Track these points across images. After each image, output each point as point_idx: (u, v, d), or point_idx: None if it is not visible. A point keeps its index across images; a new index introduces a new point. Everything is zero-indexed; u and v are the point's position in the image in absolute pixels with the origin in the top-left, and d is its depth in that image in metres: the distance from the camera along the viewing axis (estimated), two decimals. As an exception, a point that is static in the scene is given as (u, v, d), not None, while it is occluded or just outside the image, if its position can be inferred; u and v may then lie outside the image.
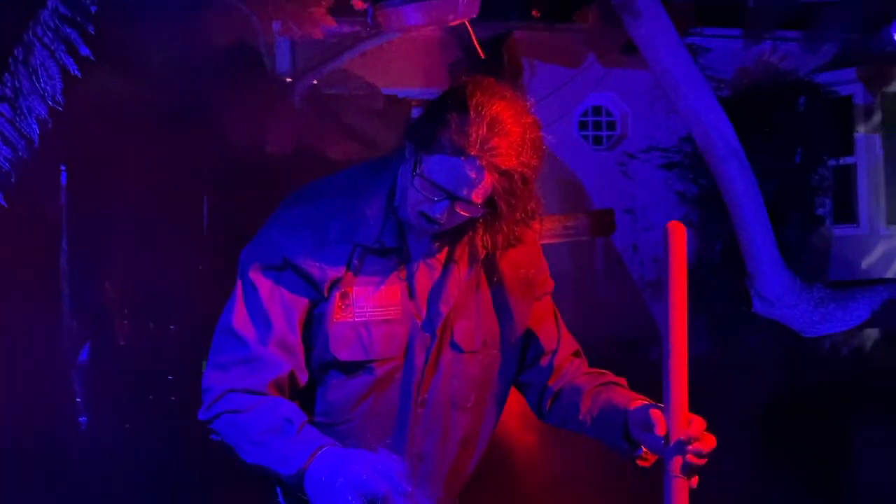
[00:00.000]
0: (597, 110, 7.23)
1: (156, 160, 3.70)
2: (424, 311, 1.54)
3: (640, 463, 1.51)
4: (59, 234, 4.18)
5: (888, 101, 7.10)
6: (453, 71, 5.64)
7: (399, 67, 5.22)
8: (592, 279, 6.26)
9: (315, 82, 3.98)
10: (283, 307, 1.50)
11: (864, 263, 7.04)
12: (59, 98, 1.58)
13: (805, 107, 6.94)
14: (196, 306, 4.14)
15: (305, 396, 1.54)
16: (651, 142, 7.05)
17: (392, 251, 1.52)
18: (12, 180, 1.52)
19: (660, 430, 1.38)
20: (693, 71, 2.32)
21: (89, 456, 3.97)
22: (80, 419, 4.34)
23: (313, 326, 1.52)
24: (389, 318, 1.52)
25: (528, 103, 1.44)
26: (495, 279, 1.59)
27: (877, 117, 7.08)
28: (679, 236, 1.40)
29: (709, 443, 1.38)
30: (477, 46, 4.00)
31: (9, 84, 1.53)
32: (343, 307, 1.51)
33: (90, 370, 4.38)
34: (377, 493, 1.26)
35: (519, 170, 1.39)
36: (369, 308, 1.51)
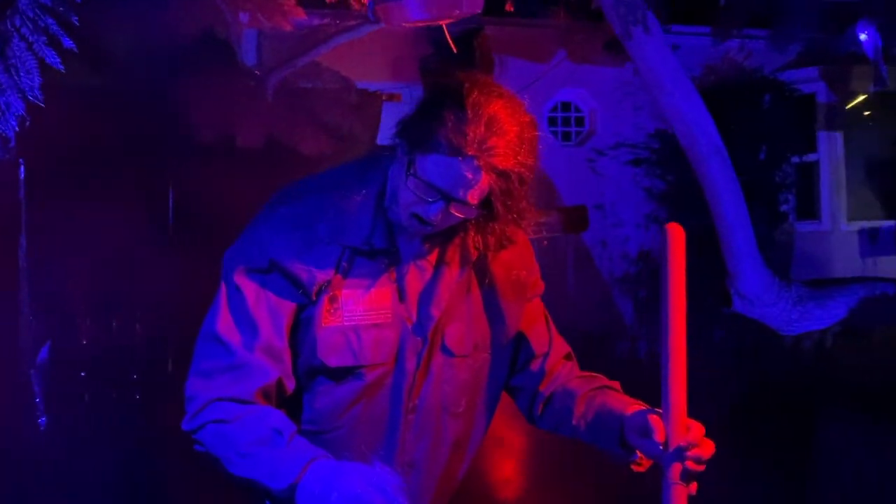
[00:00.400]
0: (566, 106, 7.24)
1: (121, 153, 3.59)
2: (415, 315, 1.49)
3: (634, 468, 1.49)
4: (17, 230, 4.04)
5: (850, 100, 7.23)
6: (424, 65, 5.59)
7: (370, 61, 5.16)
8: (562, 274, 6.27)
9: (287, 75, 3.90)
10: (270, 311, 1.44)
11: (826, 258, 7.17)
12: (37, 94, 1.50)
13: (770, 104, 7.03)
14: (161, 304, 4.04)
15: (291, 404, 1.48)
16: (619, 138, 7.08)
17: (382, 253, 1.47)
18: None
19: (659, 437, 1.36)
20: (678, 71, 2.32)
21: (49, 457, 3.85)
22: (40, 420, 4.21)
23: (300, 331, 1.47)
24: (379, 322, 1.47)
25: (524, 102, 1.40)
26: (487, 281, 1.55)
27: (839, 116, 7.20)
28: (678, 238, 1.38)
29: (708, 449, 1.36)
30: (449, 41, 3.95)
31: None
32: (332, 311, 1.45)
33: (50, 370, 4.25)
34: None
35: (516, 170, 1.36)
36: (359, 312, 1.46)
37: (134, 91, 3.52)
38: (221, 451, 1.37)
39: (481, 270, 1.54)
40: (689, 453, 1.34)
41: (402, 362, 1.48)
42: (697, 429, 1.36)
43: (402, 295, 1.49)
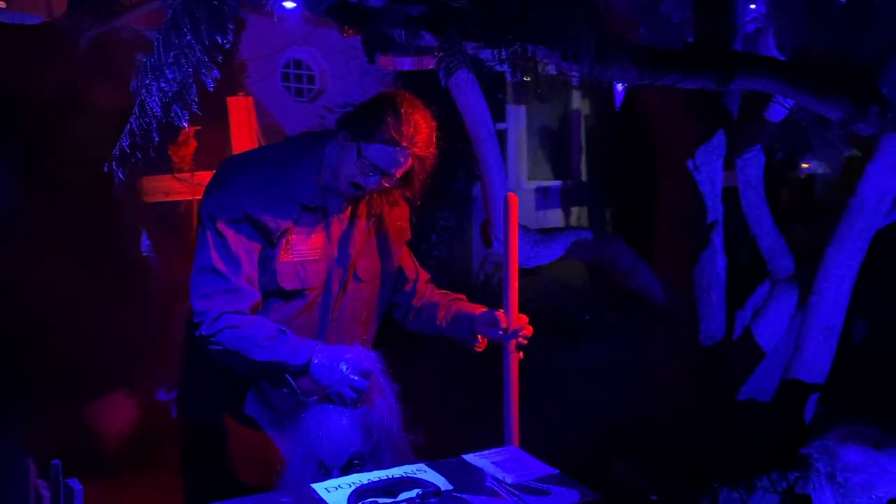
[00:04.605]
0: (298, 64, 7.75)
1: None
2: (337, 253, 2.15)
3: (477, 349, 2.29)
4: None
5: (533, 80, 8.75)
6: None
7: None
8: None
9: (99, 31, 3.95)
10: (245, 251, 2.00)
11: (511, 210, 8.68)
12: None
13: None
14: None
15: (250, 317, 2.05)
16: (347, 98, 7.76)
17: (319, 209, 2.10)
18: (134, 161, 1.67)
19: (503, 324, 2.17)
20: (471, 76, 3.11)
21: None
22: None
23: (260, 265, 2.04)
24: (316, 257, 2.10)
25: (432, 109, 2.09)
26: (382, 229, 2.24)
27: (523, 91, 8.70)
28: (514, 204, 2.20)
29: (530, 330, 2.20)
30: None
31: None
32: (287, 250, 2.06)
33: None
34: (367, 370, 1.88)
35: (429, 157, 2.06)
36: (304, 250, 2.08)
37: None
38: (242, 346, 1.91)
39: (379, 222, 2.23)
40: (521, 333, 2.18)
41: (330, 286, 2.13)
42: (524, 318, 2.20)
43: (329, 238, 2.13)
